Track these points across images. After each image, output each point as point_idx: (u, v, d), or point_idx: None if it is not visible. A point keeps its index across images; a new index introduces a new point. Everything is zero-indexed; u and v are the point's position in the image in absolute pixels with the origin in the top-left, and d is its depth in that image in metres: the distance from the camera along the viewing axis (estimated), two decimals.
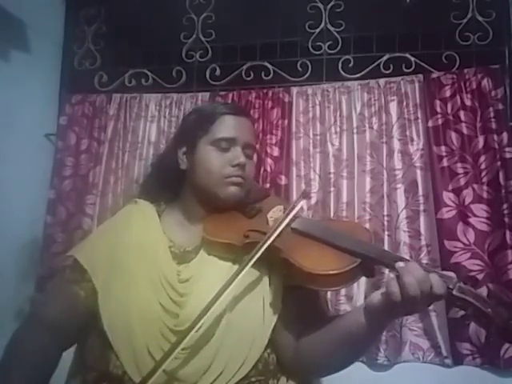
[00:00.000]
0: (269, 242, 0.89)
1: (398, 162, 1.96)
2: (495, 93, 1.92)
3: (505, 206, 1.81)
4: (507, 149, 1.85)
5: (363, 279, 1.81)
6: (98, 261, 0.98)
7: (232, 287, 0.85)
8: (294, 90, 2.13)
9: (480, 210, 1.85)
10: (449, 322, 1.80)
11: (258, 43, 2.24)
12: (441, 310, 1.80)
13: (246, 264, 0.87)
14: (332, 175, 2.00)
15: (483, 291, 0.75)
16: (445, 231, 1.85)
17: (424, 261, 1.84)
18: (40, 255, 2.17)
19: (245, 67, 2.21)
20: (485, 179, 1.87)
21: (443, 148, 1.92)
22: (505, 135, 1.86)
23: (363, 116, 2.03)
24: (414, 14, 2.03)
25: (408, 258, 1.82)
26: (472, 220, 1.84)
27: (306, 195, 1.05)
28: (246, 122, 1.06)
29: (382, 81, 2.05)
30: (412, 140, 1.97)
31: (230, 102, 2.12)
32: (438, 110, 1.95)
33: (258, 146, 1.99)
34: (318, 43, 2.15)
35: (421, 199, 1.91)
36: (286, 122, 2.10)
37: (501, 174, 1.84)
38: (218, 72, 2.23)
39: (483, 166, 1.88)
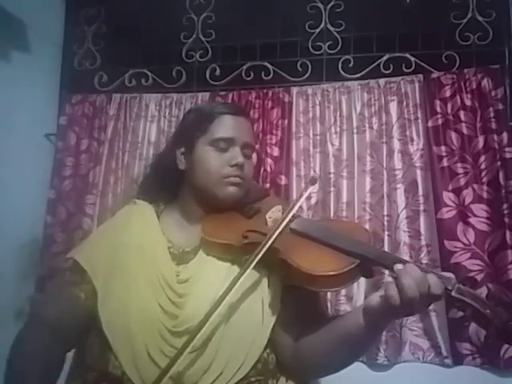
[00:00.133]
0: (269, 243, 0.88)
1: (398, 162, 1.95)
2: (495, 93, 1.91)
3: (505, 206, 1.81)
4: (507, 149, 1.85)
5: (363, 279, 1.80)
6: (97, 261, 0.98)
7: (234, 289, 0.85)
8: (294, 90, 2.13)
9: (480, 210, 1.84)
10: (449, 322, 1.80)
11: (258, 43, 2.23)
12: (441, 310, 1.80)
13: (250, 264, 0.86)
14: (332, 175, 2.00)
15: (483, 291, 0.75)
16: (445, 231, 1.85)
17: (424, 261, 1.84)
18: (40, 255, 2.17)
19: (245, 67, 2.21)
20: (485, 179, 1.86)
21: (443, 148, 1.91)
22: (505, 135, 1.86)
23: (363, 116, 2.03)
24: (414, 14, 2.03)
25: (408, 258, 1.82)
26: (472, 220, 1.84)
27: (314, 181, 1.05)
28: (244, 122, 1.05)
29: (381, 81, 2.05)
30: (412, 140, 1.96)
31: (229, 101, 2.12)
32: (438, 109, 1.95)
33: (257, 146, 2.00)
34: (318, 43, 2.15)
35: (421, 199, 1.90)
36: (286, 121, 2.10)
37: (501, 174, 1.83)
38: (217, 72, 2.23)
39: (483, 166, 1.87)
